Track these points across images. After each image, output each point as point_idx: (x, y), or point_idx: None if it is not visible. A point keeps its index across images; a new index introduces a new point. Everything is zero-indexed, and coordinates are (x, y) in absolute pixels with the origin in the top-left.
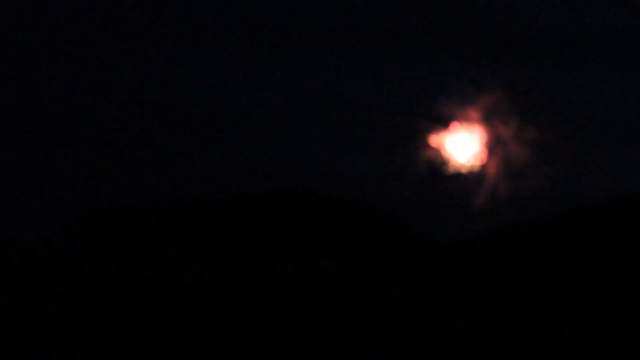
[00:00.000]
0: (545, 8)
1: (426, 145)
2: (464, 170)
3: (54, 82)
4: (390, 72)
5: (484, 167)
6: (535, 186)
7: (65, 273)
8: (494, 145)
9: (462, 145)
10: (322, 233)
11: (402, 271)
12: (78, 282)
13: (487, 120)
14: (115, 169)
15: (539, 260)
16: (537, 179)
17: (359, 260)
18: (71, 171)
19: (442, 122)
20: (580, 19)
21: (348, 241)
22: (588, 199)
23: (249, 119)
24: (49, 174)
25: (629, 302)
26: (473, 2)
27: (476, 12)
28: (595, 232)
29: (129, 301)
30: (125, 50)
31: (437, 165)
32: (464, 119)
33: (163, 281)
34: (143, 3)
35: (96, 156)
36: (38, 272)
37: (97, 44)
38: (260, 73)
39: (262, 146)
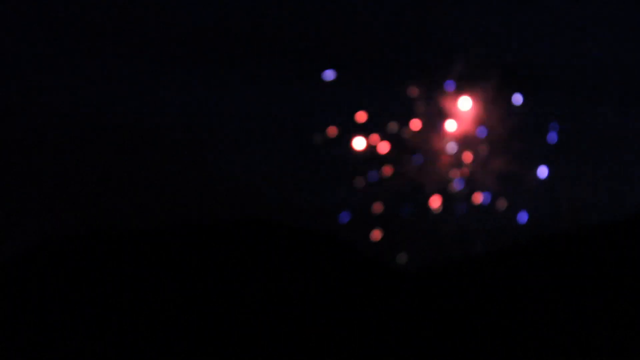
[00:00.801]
0: (524, 42)
1: (393, 173)
2: (432, 199)
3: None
4: (357, 100)
5: (452, 194)
6: (505, 215)
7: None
8: (462, 174)
9: (430, 173)
10: (280, 263)
11: (363, 302)
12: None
13: (457, 148)
14: (74, 197)
15: (506, 291)
16: (506, 208)
17: (319, 290)
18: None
19: (411, 151)
20: (559, 53)
21: (308, 271)
22: (556, 230)
23: (204, 146)
24: (28, 194)
25: (604, 332)
26: (450, 34)
27: (449, 43)
28: (562, 263)
29: (97, 329)
30: (91, 66)
31: (404, 194)
32: (434, 147)
33: (123, 310)
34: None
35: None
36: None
37: (62, 59)
38: (224, 98)
39: (220, 174)
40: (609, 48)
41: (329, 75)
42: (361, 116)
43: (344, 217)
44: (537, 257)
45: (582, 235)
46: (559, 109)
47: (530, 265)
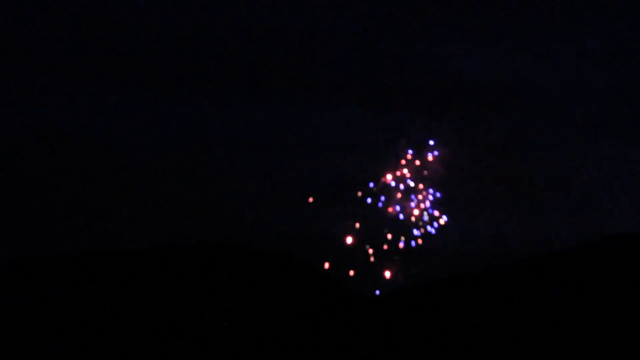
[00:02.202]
0: (482, 65)
1: (359, 201)
2: (398, 225)
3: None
4: (330, 125)
5: (417, 222)
6: (465, 241)
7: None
8: (429, 201)
9: (396, 201)
10: (247, 286)
11: (325, 325)
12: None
13: (424, 175)
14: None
15: (465, 317)
16: (467, 233)
17: (283, 313)
18: None
19: (379, 177)
20: (516, 75)
21: (273, 294)
22: (516, 255)
23: (179, 167)
24: None
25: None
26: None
27: (413, 67)
28: (520, 288)
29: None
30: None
31: (369, 220)
32: (400, 174)
33: (85, 331)
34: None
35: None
36: None
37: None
38: (197, 121)
39: (193, 197)
40: (576, 71)
41: None
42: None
43: None
44: (505, 280)
45: (551, 258)
46: (528, 133)
47: (499, 288)
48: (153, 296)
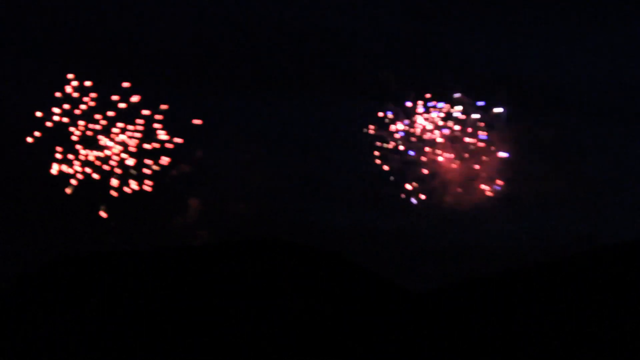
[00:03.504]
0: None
1: (399, 195)
2: (435, 221)
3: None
4: (362, 121)
5: (455, 217)
6: (508, 238)
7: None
8: (466, 197)
9: (437, 196)
10: (292, 281)
11: (368, 319)
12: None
13: (465, 170)
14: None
15: (509, 312)
16: (510, 230)
17: (327, 307)
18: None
19: (419, 171)
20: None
21: (318, 289)
22: (559, 252)
23: (218, 167)
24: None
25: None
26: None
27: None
28: (562, 284)
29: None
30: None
31: (411, 215)
32: (441, 169)
33: (138, 324)
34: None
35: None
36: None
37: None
38: (234, 120)
39: (237, 196)
40: (625, 69)
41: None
42: None
43: None
44: (545, 277)
45: (594, 256)
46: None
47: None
48: (198, 292)
